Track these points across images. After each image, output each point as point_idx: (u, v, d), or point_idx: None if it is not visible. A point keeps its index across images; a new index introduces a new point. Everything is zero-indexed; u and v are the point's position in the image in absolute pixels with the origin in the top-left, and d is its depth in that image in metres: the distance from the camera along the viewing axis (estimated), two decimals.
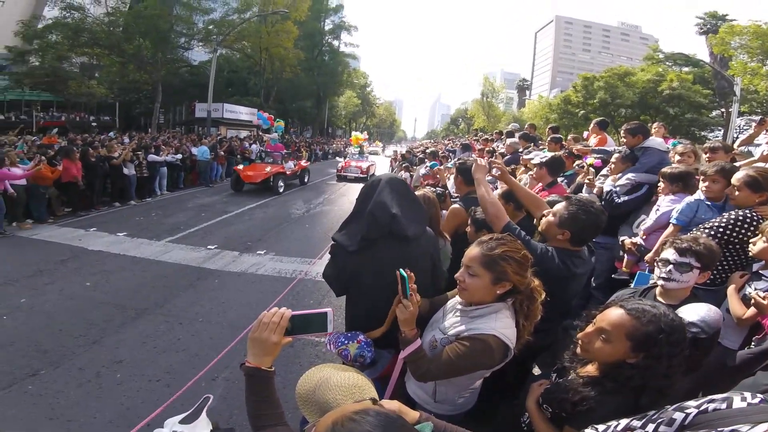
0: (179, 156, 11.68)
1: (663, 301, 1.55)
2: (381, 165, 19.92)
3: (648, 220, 2.96)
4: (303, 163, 14.91)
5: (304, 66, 35.10)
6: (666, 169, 2.95)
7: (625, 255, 3.10)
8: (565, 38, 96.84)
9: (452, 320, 1.43)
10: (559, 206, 1.77)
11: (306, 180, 14.61)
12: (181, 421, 0.96)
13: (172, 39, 24.66)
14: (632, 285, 2.64)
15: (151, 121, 25.28)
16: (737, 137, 5.14)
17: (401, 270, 1.38)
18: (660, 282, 1.65)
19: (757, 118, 4.24)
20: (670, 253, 1.62)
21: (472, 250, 1.37)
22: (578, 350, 1.26)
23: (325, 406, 0.96)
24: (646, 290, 1.76)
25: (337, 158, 30.21)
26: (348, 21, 41.05)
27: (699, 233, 2.06)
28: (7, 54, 21.87)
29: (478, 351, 1.26)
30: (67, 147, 8.47)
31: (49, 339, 3.46)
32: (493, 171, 2.21)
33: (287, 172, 12.62)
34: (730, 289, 1.89)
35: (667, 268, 1.60)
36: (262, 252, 6.35)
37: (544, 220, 1.83)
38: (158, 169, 10.61)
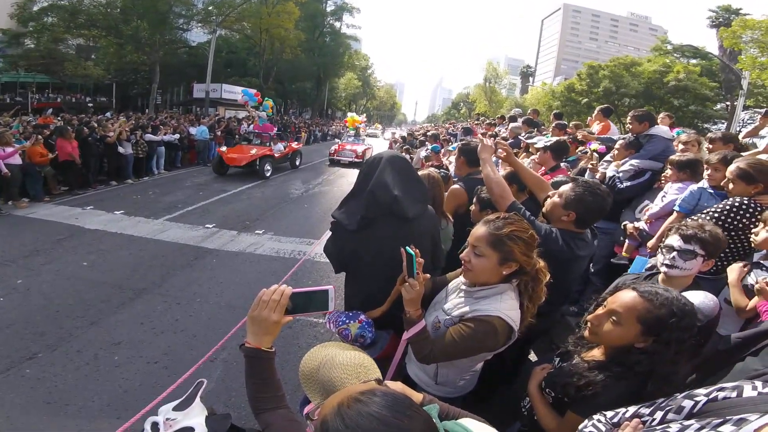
0: (176, 136, 11.56)
1: None
2: (379, 149, 19.34)
3: (654, 206, 2.96)
4: (295, 145, 14.02)
5: (305, 47, 34.48)
6: (674, 157, 2.96)
7: (626, 240, 3.11)
8: (572, 26, 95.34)
9: (456, 301, 1.41)
10: (565, 187, 1.74)
11: (298, 163, 13.92)
12: (175, 408, 0.94)
13: (171, 20, 24.13)
14: (629, 270, 2.67)
15: (148, 101, 24.97)
16: (740, 131, 5.10)
17: (407, 248, 1.33)
18: (663, 269, 1.63)
19: (762, 110, 4.18)
20: (674, 240, 1.59)
21: (479, 229, 1.34)
22: (586, 333, 1.25)
23: (329, 385, 0.95)
24: (649, 276, 1.74)
25: (336, 140, 29.94)
26: (350, 2, 40.20)
27: (703, 220, 2.02)
28: (1, 37, 21.46)
29: (482, 333, 1.24)
30: (62, 126, 8.38)
31: (47, 321, 3.44)
32: (498, 152, 2.17)
33: (276, 155, 11.87)
34: (732, 279, 1.86)
35: (671, 255, 1.58)
36: (261, 231, 6.33)
37: (549, 201, 1.80)
38: (156, 149, 10.51)
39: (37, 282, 4.14)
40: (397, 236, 1.57)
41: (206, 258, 5.13)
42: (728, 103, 26.27)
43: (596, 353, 1.24)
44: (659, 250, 1.69)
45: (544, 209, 1.84)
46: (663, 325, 1.07)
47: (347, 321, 1.57)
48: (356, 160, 15.05)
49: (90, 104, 25.21)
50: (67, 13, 20.80)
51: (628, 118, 3.93)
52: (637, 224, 3.05)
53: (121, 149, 9.20)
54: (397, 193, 1.60)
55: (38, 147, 7.23)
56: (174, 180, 10.19)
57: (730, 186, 2.17)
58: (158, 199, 8.02)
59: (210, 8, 25.45)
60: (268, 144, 12.01)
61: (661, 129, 3.78)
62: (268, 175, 11.16)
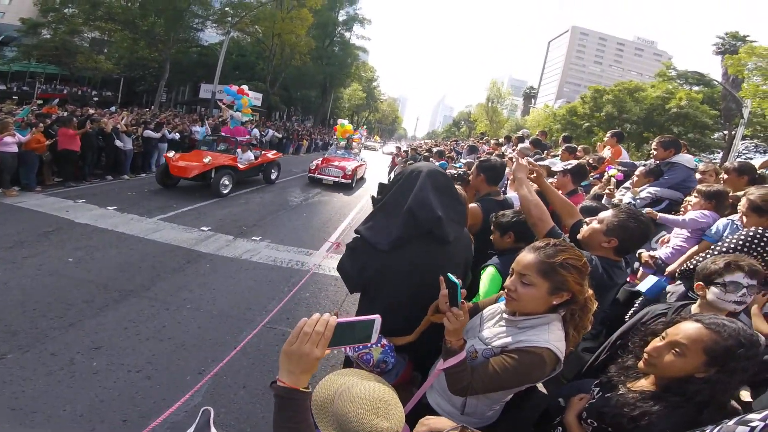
0: (177, 135, 11.39)
1: None
2: (376, 165, 18.76)
3: (671, 217, 3.02)
4: (271, 155, 11.27)
5: (314, 55, 34.82)
6: (701, 186, 3.00)
7: (641, 268, 3.08)
8: (578, 49, 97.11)
9: (495, 330, 1.30)
10: (607, 213, 1.68)
11: (274, 177, 11.20)
12: None
13: (187, 18, 24.37)
14: (642, 289, 2.61)
15: (153, 98, 24.98)
16: (736, 161, 5.17)
17: (450, 275, 1.23)
18: (733, 307, 1.59)
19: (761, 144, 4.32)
20: (739, 277, 1.57)
21: (526, 257, 1.24)
22: (641, 364, 1.20)
23: (343, 420, 0.85)
24: (681, 307, 1.70)
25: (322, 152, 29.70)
26: (362, 13, 40.76)
27: (724, 252, 2.13)
28: (19, 26, 21.58)
29: (529, 364, 1.17)
30: (65, 116, 8.22)
31: (21, 319, 3.19)
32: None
33: (241, 166, 9.29)
34: (754, 308, 1.92)
35: (741, 292, 1.56)
36: (258, 238, 6.12)
37: (587, 227, 1.73)
38: (156, 145, 10.32)
39: (17, 276, 3.89)
40: (432, 260, 1.44)
41: (199, 262, 4.90)
42: (726, 132, 26.61)
43: (644, 383, 1.21)
44: (720, 286, 1.61)
45: (580, 236, 1.74)
46: (730, 356, 1.06)
47: (369, 345, 1.40)
48: (344, 180, 11.84)
49: (95, 98, 25.21)
50: (87, 4, 20.94)
51: (653, 143, 3.85)
52: (652, 252, 3.03)
53: (119, 143, 9.00)
54: (441, 213, 1.45)
55: (37, 135, 7.04)
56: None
57: (744, 219, 2.31)
58: (153, 197, 7.80)
59: (226, 9, 25.73)
60: (233, 151, 9.56)
61: (684, 158, 3.70)
62: (225, 191, 8.59)
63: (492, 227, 2.13)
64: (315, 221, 7.84)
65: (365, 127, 33.81)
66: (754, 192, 2.29)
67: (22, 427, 2.22)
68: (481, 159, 2.87)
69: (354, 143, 17.18)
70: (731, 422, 0.85)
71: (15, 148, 6.61)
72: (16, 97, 14.72)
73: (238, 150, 9.63)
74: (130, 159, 9.37)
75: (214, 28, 27.66)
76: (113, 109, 17.06)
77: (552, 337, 1.19)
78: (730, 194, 2.87)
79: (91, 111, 11.00)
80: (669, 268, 2.72)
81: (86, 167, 8.37)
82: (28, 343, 2.91)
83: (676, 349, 1.11)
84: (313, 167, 12.16)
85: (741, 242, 2.17)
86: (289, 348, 0.77)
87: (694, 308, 1.64)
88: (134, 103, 25.81)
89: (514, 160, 1.93)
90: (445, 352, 1.28)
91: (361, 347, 1.39)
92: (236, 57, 30.70)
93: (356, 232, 1.56)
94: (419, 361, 1.56)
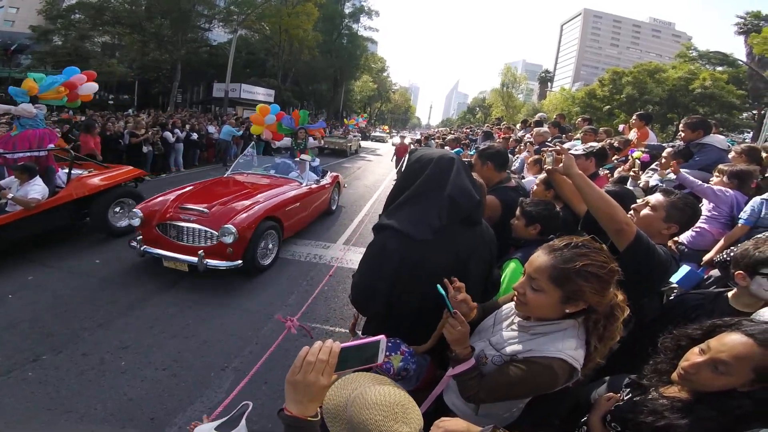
0: (195, 135, 11.57)
1: (738, 308, 1.47)
2: (378, 167, 16.72)
3: (692, 178, 2.92)
4: (95, 182, 5.25)
5: (322, 49, 34.72)
6: (723, 166, 2.89)
7: None
8: (592, 32, 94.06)
9: (507, 335, 1.20)
10: (659, 198, 1.61)
11: (123, 224, 5.42)
12: (218, 428, 0.79)
13: (193, 18, 24.57)
14: (674, 279, 2.49)
15: (168, 99, 25.39)
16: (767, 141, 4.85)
17: (438, 286, 1.17)
18: None
19: None
20: None
21: (539, 258, 1.10)
22: (675, 377, 1.06)
23: (360, 428, 0.81)
24: (716, 296, 1.57)
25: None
26: (369, 5, 40.24)
27: None
28: (30, 33, 22.12)
29: (539, 376, 1.07)
30: (88, 121, 8.43)
31: (54, 321, 3.30)
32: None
33: None
34: None
35: None
36: None
37: (643, 213, 1.63)
38: (174, 146, 10.53)
39: (48, 279, 4.03)
40: (470, 242, 1.44)
41: None
42: (755, 111, 25.46)
43: (678, 390, 1.09)
44: (756, 275, 1.46)
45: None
46: None
47: (388, 353, 1.34)
48: (217, 263, 4.06)
49: (111, 101, 25.78)
50: (93, 9, 21.34)
51: (681, 125, 3.67)
52: (675, 238, 2.81)
53: (144, 148, 9.31)
54: (479, 197, 1.44)
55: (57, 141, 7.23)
56: (192, 177, 10.08)
57: None
58: None
59: (231, 7, 25.81)
60: None
61: (716, 138, 3.52)
62: None
63: (518, 213, 2.02)
64: (332, 215, 7.85)
65: (363, 115, 33.28)
66: None
67: (59, 426, 2.29)
68: (481, 148, 2.72)
69: (310, 139, 8.26)
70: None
71: (37, 153, 6.80)
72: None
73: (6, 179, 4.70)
74: (150, 160, 9.58)
75: (222, 27, 27.81)
76: (130, 111, 17.45)
77: (566, 345, 1.07)
78: (756, 181, 2.74)
79: (116, 117, 11.29)
80: (706, 257, 2.60)
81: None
82: (62, 343, 3.02)
83: (720, 368, 0.99)
84: (139, 224, 4.30)
85: None
86: (294, 378, 0.74)
87: (730, 296, 1.52)
88: (150, 104, 26.32)
89: (548, 152, 1.69)
90: (451, 360, 1.22)
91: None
92: (246, 55, 30.87)
93: (380, 228, 1.45)
94: (443, 360, 1.52)
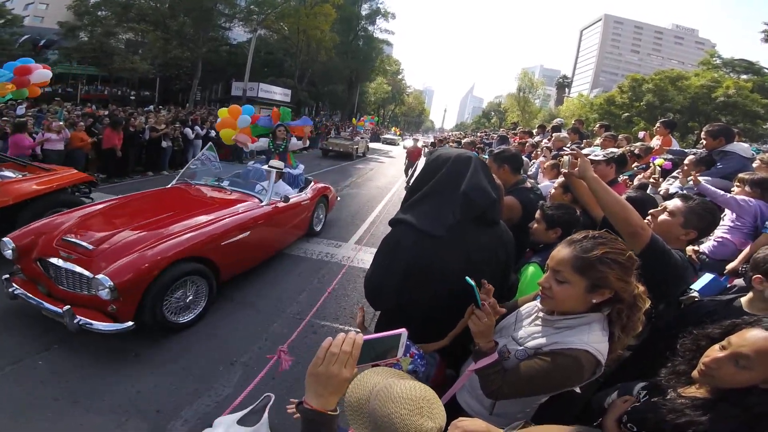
0: (214, 132, 11.74)
1: (752, 312, 1.43)
2: (389, 170, 16.14)
3: (713, 188, 2.84)
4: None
5: (339, 50, 35.02)
6: (744, 174, 2.82)
7: None
8: (612, 38, 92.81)
9: (531, 330, 1.22)
10: (677, 204, 1.59)
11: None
12: (240, 422, 0.80)
13: (214, 17, 25.09)
14: (695, 287, 2.40)
15: (189, 96, 25.93)
16: None
17: (468, 278, 1.16)
18: None
19: None
20: None
21: (561, 251, 1.14)
22: (696, 374, 1.07)
23: (384, 421, 0.81)
24: (730, 301, 1.56)
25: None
26: (385, 7, 40.43)
27: None
28: (58, 29, 22.86)
29: (565, 368, 1.08)
30: (116, 118, 8.69)
31: None
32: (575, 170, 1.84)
33: None
34: None
35: None
36: None
37: (661, 218, 1.61)
38: (192, 142, 10.73)
39: None
40: (487, 242, 1.42)
41: None
42: None
43: (697, 390, 1.10)
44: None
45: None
46: None
47: (398, 359, 1.34)
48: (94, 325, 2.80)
49: (132, 97, 26.44)
50: (119, 6, 21.97)
51: (702, 133, 3.60)
52: (695, 246, 2.78)
53: (164, 143, 9.52)
54: (495, 196, 1.42)
55: (80, 133, 7.46)
56: None
57: None
58: None
59: (252, 7, 26.28)
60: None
61: (740, 146, 3.43)
62: None
63: (538, 216, 1.99)
64: (344, 213, 7.87)
65: (373, 117, 32.04)
66: None
67: (65, 417, 2.30)
68: (496, 152, 2.72)
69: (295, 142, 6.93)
70: None
71: (61, 146, 7.02)
72: (59, 98, 15.62)
73: None
74: (168, 155, 9.79)
75: (242, 26, 28.33)
76: (151, 107, 17.85)
77: (592, 338, 1.08)
78: None
79: (137, 113, 11.57)
80: (729, 266, 2.53)
81: (129, 164, 8.82)
82: (72, 334, 2.96)
83: (741, 362, 1.00)
84: (12, 257, 3.16)
85: None
86: (316, 370, 0.73)
87: (744, 301, 1.51)
88: (171, 101, 26.90)
89: (566, 156, 1.67)
90: (474, 353, 1.23)
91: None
92: (264, 54, 31.38)
93: (397, 222, 1.46)
94: (452, 359, 1.50)
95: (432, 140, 17.36)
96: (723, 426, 0.99)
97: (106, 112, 11.14)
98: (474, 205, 1.38)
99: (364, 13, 40.19)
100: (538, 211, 1.97)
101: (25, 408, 2.33)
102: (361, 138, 21.37)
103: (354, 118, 26.23)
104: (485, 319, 1.16)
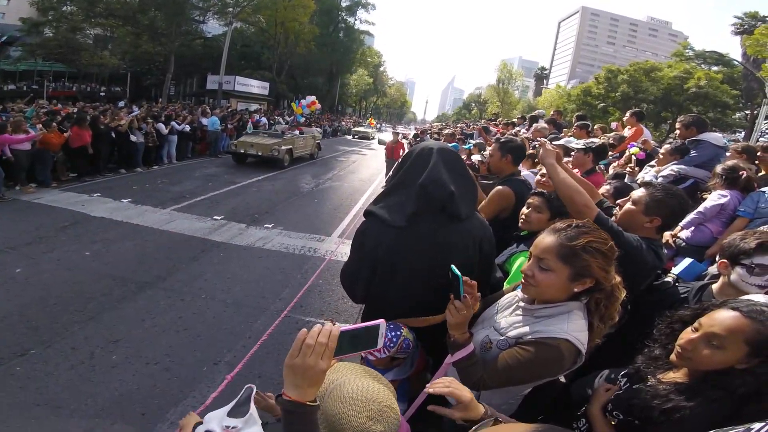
0: (187, 127, 11.43)
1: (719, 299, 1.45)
2: (372, 162, 16.17)
3: (689, 215, 2.81)
4: None
5: (319, 42, 34.46)
6: (718, 167, 2.91)
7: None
8: (589, 29, 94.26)
9: (511, 319, 1.22)
10: (639, 192, 1.58)
11: None
12: (230, 414, 0.78)
13: (187, 11, 24.24)
14: (675, 271, 2.45)
15: (161, 92, 25.09)
16: (759, 140, 4.90)
17: (454, 268, 1.15)
18: (755, 290, 1.42)
19: None
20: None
21: (546, 239, 1.14)
22: (673, 357, 1.09)
23: (332, 420, 0.80)
24: (701, 288, 1.57)
25: (347, 136, 29.08)
26: None
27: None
28: (21, 25, 21.70)
29: (545, 357, 1.08)
30: (81, 114, 8.32)
31: (43, 314, 3.23)
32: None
33: None
34: None
35: (767, 276, 1.39)
36: (270, 225, 6.13)
37: (623, 210, 1.62)
38: (167, 138, 10.41)
39: (37, 271, 3.96)
40: (447, 237, 1.39)
41: (213, 251, 4.93)
42: (748, 112, 25.75)
43: (676, 375, 1.13)
44: (747, 267, 1.45)
45: (615, 220, 1.62)
46: None
47: (393, 333, 1.35)
48: None
49: (102, 93, 25.38)
50: (85, 2, 20.97)
51: (677, 123, 3.73)
52: (672, 232, 2.91)
53: (133, 137, 9.11)
54: (453, 189, 1.40)
55: (53, 133, 7.13)
56: (183, 170, 10.05)
57: None
58: (167, 189, 7.87)
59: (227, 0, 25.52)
60: None
61: (712, 136, 3.56)
62: None
63: (540, 205, 1.95)
64: (326, 207, 7.82)
65: (313, 103, 20.05)
66: None
67: (48, 422, 2.24)
68: (503, 139, 2.69)
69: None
70: None
71: (28, 146, 6.69)
72: (31, 96, 14.84)
73: None
74: (141, 152, 9.45)
75: (216, 19, 27.44)
76: (122, 104, 17.21)
77: (572, 327, 1.09)
78: (743, 172, 2.77)
79: (104, 108, 11.09)
80: (709, 251, 2.62)
81: (100, 162, 8.48)
82: (50, 337, 2.95)
83: (714, 342, 1.02)
84: None
85: None
86: (293, 361, 0.72)
87: (715, 288, 1.52)
88: (143, 97, 25.95)
89: (537, 143, 1.84)
90: (449, 345, 1.22)
91: (392, 342, 1.33)
92: (241, 47, 30.59)
93: (366, 213, 1.49)
94: (429, 345, 1.51)
95: (414, 132, 17.13)
96: (709, 409, 1.01)
97: (75, 110, 10.64)
98: (430, 198, 1.39)
99: (344, 4, 39.63)
100: (539, 199, 1.92)
101: (6, 414, 2.26)
102: (301, 133, 13.93)
103: (294, 103, 20.17)
104: (464, 311, 1.15)
